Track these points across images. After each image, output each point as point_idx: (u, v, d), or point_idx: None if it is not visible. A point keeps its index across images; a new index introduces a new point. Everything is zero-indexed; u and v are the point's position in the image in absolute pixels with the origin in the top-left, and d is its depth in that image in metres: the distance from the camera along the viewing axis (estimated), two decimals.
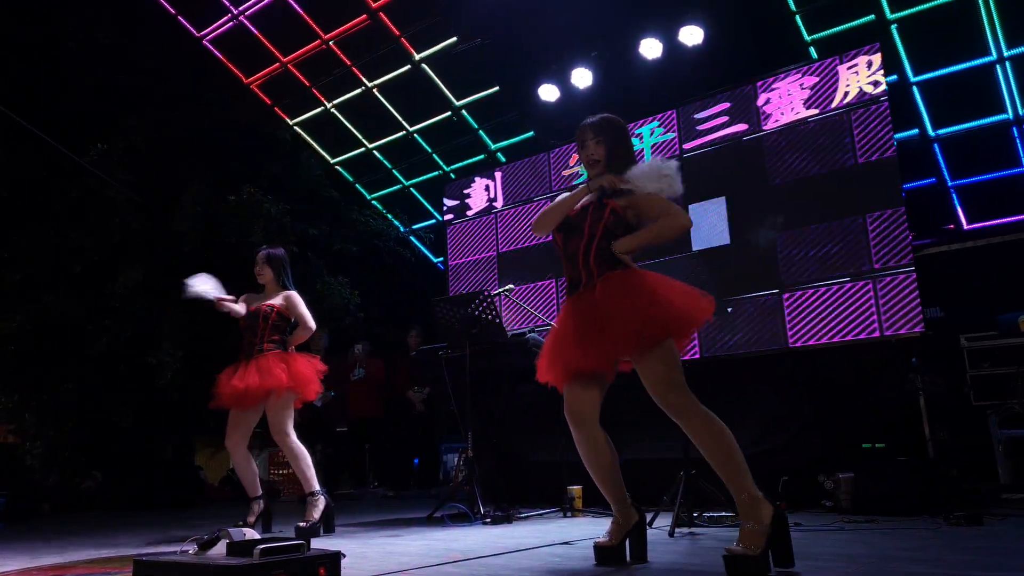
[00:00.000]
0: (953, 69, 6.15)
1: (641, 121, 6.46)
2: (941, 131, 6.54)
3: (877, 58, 5.26)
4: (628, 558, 2.51)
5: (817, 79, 5.50)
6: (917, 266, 4.76)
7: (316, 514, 3.89)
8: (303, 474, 3.95)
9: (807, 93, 5.56)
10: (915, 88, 6.36)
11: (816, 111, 5.44)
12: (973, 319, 5.35)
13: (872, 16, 6.03)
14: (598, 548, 2.49)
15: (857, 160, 5.03)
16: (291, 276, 4.30)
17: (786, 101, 5.64)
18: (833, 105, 5.39)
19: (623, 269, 2.50)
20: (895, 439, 4.46)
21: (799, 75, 5.58)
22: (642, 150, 6.31)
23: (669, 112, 6.14)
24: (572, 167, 6.61)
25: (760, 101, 5.77)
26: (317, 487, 3.97)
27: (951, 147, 6.61)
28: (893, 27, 6.06)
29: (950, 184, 6.74)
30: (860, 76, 5.30)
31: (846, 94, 5.35)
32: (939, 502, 3.63)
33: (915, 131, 6.55)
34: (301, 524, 3.81)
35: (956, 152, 6.61)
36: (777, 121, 5.65)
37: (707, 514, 3.71)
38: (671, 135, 6.24)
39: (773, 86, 5.72)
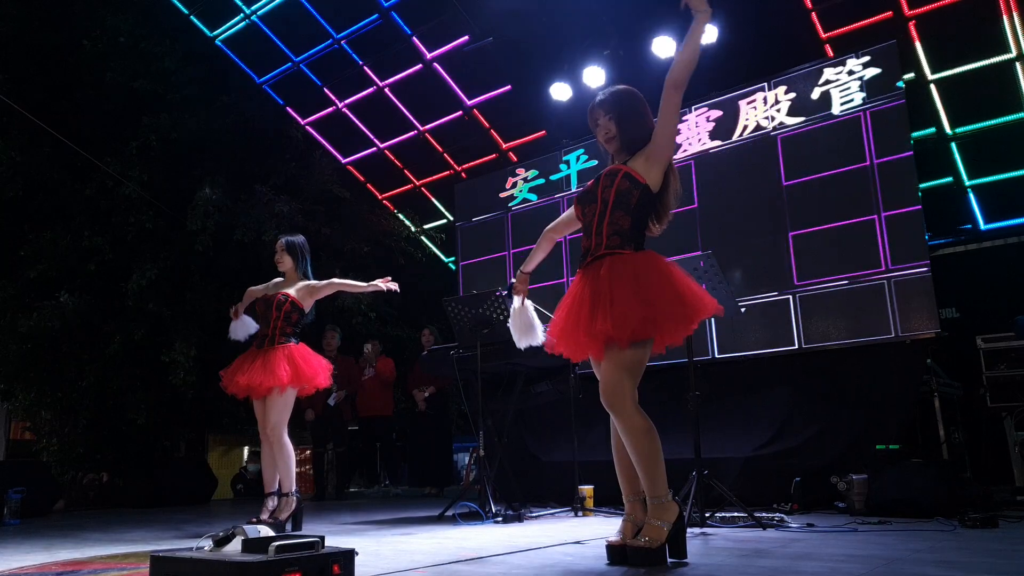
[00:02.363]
0: (971, 67, 6.10)
1: (570, 147, 6.73)
2: (958, 130, 6.49)
3: (781, 91, 5.56)
4: (668, 555, 2.45)
5: (720, 112, 5.87)
6: (933, 266, 4.72)
7: (285, 514, 3.94)
8: (285, 471, 3.97)
9: (712, 126, 5.91)
10: (932, 86, 6.30)
11: (719, 142, 5.80)
12: (990, 320, 5.31)
13: (890, 13, 5.98)
14: (611, 547, 2.48)
15: (873, 160, 5.00)
16: (311, 264, 4.31)
17: (694, 133, 6.01)
18: (733, 137, 5.73)
19: (633, 249, 2.48)
20: (910, 441, 4.44)
21: (705, 109, 5.94)
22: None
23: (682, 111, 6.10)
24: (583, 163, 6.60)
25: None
26: (294, 488, 4.00)
27: (968, 146, 6.55)
28: (911, 24, 6.01)
29: (967, 183, 6.68)
30: (758, 111, 5.66)
31: (744, 128, 5.71)
32: (954, 504, 3.61)
33: (932, 130, 6.50)
34: (263, 518, 3.84)
35: (973, 151, 6.55)
36: (685, 151, 5.96)
37: (719, 514, 3.71)
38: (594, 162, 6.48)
39: (683, 118, 5.98)
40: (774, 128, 5.51)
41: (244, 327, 4.17)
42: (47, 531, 4.50)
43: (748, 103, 5.75)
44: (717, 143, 5.82)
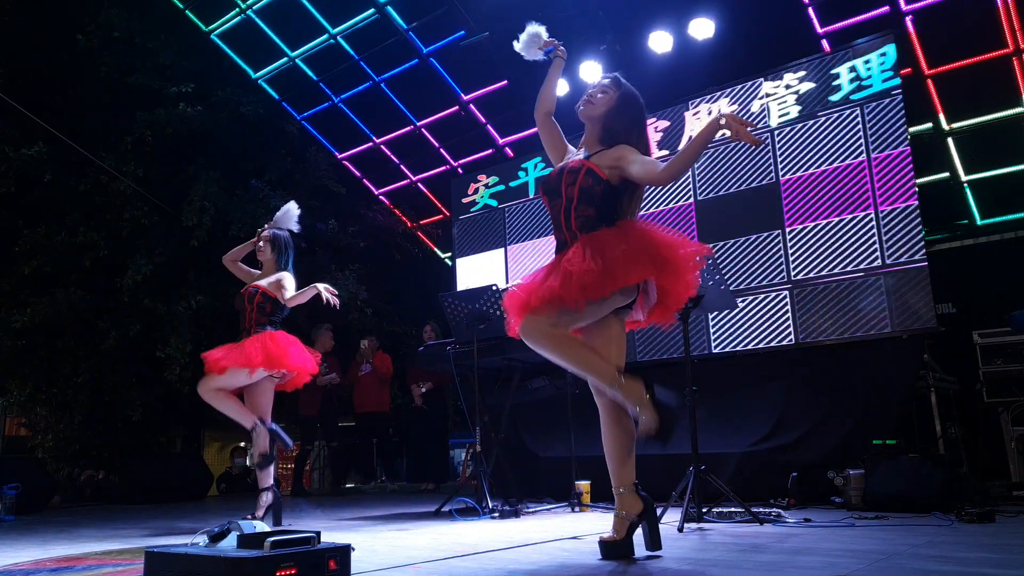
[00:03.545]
0: (968, 62, 6.09)
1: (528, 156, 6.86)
2: (955, 125, 6.48)
3: (724, 103, 5.75)
4: (641, 548, 2.49)
5: (669, 123, 6.11)
6: (930, 261, 4.71)
7: (261, 511, 3.99)
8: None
9: (660, 136, 6.14)
10: (929, 81, 6.30)
11: (667, 151, 5.99)
12: (986, 315, 5.32)
13: (887, 8, 5.97)
14: (604, 544, 2.48)
15: (869, 154, 4.99)
16: (292, 259, 4.33)
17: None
18: (680, 147, 5.79)
19: (607, 227, 2.48)
20: (906, 436, 4.44)
21: (654, 119, 6.15)
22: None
23: (678, 107, 6.10)
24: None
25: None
26: (271, 482, 4.04)
27: (965, 141, 6.55)
28: (908, 19, 6.00)
29: (963, 179, 6.68)
30: (701, 122, 5.87)
31: (689, 138, 5.78)
32: (951, 499, 3.61)
33: (929, 125, 6.50)
34: (259, 515, 3.93)
35: (970, 146, 6.55)
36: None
37: (716, 509, 3.70)
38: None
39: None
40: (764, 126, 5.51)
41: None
42: (42, 527, 4.49)
43: (692, 114, 5.97)
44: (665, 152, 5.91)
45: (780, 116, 5.48)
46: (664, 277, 2.47)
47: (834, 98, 5.25)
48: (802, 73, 5.42)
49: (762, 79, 5.61)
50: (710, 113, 5.84)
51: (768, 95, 5.57)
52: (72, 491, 7.38)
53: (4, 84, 6.98)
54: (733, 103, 5.71)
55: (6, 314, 7.27)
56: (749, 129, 2.24)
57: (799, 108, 5.40)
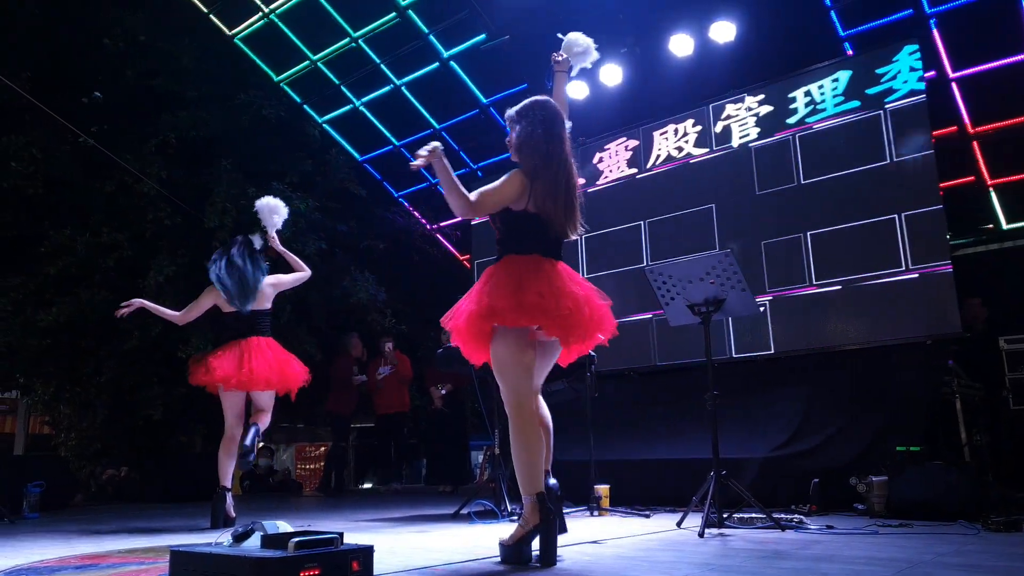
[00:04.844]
0: (993, 65, 6.01)
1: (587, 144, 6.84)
2: (980, 128, 6.40)
3: (689, 124, 5.98)
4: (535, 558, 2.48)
5: (638, 142, 6.30)
6: (954, 266, 4.65)
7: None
8: None
9: (630, 155, 6.33)
10: (954, 84, 6.22)
11: (635, 169, 6.22)
12: (1012, 321, 5.24)
13: (911, 11, 5.90)
14: (500, 547, 2.55)
15: (893, 158, 4.94)
16: (212, 270, 4.50)
17: (615, 160, 6.40)
18: (648, 165, 6.15)
19: (496, 258, 2.76)
20: (931, 442, 4.38)
21: (624, 139, 6.39)
22: None
23: (700, 109, 6.06)
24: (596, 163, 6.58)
25: (594, 159, 6.49)
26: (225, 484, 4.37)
27: (990, 145, 6.46)
28: (932, 21, 5.93)
29: (989, 183, 6.59)
30: (669, 141, 6.10)
31: (657, 156, 6.15)
32: (976, 507, 3.56)
33: (954, 128, 6.41)
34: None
35: (995, 150, 6.46)
36: (606, 177, 6.37)
37: (737, 514, 3.68)
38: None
39: (605, 146, 6.44)
40: (784, 129, 5.47)
41: None
42: (65, 525, 4.55)
43: (660, 134, 6.19)
44: (702, 151, 5.83)
45: (689, 152, 5.84)
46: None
47: (737, 138, 5.61)
48: (838, 74, 5.37)
49: (783, 82, 5.58)
50: (729, 118, 5.81)
51: (685, 133, 5.92)
52: (94, 489, 7.46)
53: (31, 87, 7.08)
54: (762, 104, 5.64)
55: (32, 314, 7.37)
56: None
57: (706, 148, 5.79)
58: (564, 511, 4.56)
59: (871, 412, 4.62)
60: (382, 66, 8.09)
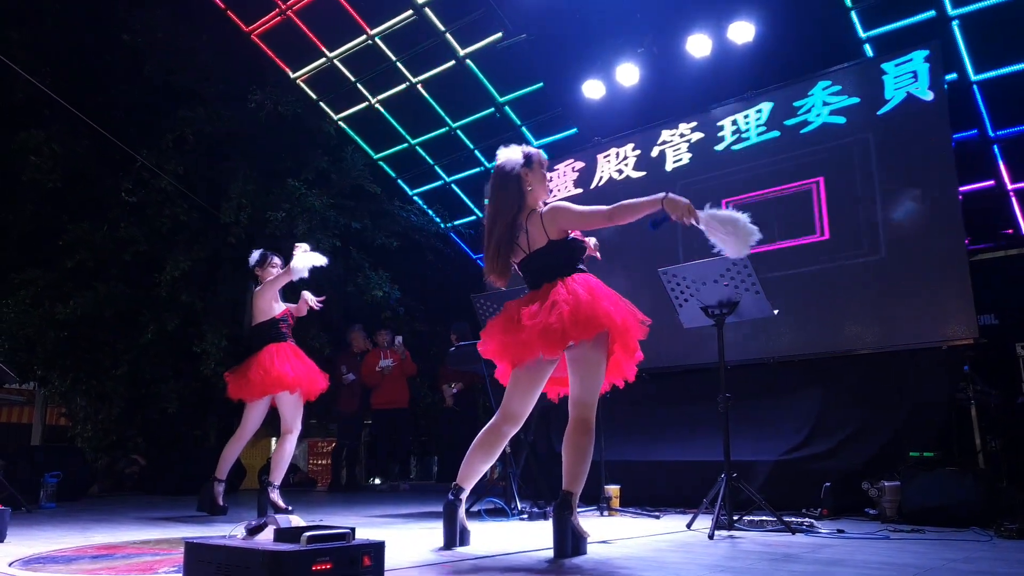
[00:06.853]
0: (1016, 68, 5.93)
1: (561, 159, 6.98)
2: (1001, 132, 6.32)
3: (629, 148, 6.36)
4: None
5: (584, 164, 6.69)
6: (972, 271, 4.61)
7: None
8: None
9: (577, 175, 6.71)
10: (975, 87, 6.15)
11: (581, 189, 6.58)
12: None
13: (932, 12, 5.84)
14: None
15: (911, 163, 4.90)
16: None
17: (562, 181, 6.79)
18: (592, 187, 6.51)
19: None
20: (945, 448, 4.35)
21: (572, 160, 6.81)
22: None
23: (718, 108, 6.04)
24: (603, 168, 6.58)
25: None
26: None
27: (1011, 149, 6.38)
28: (954, 23, 5.87)
29: (1009, 187, 6.52)
30: (611, 163, 6.48)
31: (600, 178, 6.52)
32: (990, 514, 3.53)
33: (974, 132, 6.34)
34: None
35: (1016, 154, 6.38)
36: (555, 195, 6.59)
37: (747, 517, 3.67)
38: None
39: (554, 167, 6.71)
40: (734, 146, 5.47)
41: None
42: (82, 515, 4.61)
43: (603, 157, 6.54)
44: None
45: (628, 175, 6.09)
46: None
47: (670, 162, 5.87)
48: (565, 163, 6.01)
49: (803, 81, 5.55)
50: (734, 123, 5.79)
51: (625, 157, 6.19)
52: (110, 480, 7.55)
53: (51, 82, 7.17)
54: (785, 102, 5.61)
55: (50, 307, 7.47)
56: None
57: (645, 171, 6.10)
58: (576, 510, 4.57)
59: (884, 417, 4.59)
60: (398, 64, 8.12)
